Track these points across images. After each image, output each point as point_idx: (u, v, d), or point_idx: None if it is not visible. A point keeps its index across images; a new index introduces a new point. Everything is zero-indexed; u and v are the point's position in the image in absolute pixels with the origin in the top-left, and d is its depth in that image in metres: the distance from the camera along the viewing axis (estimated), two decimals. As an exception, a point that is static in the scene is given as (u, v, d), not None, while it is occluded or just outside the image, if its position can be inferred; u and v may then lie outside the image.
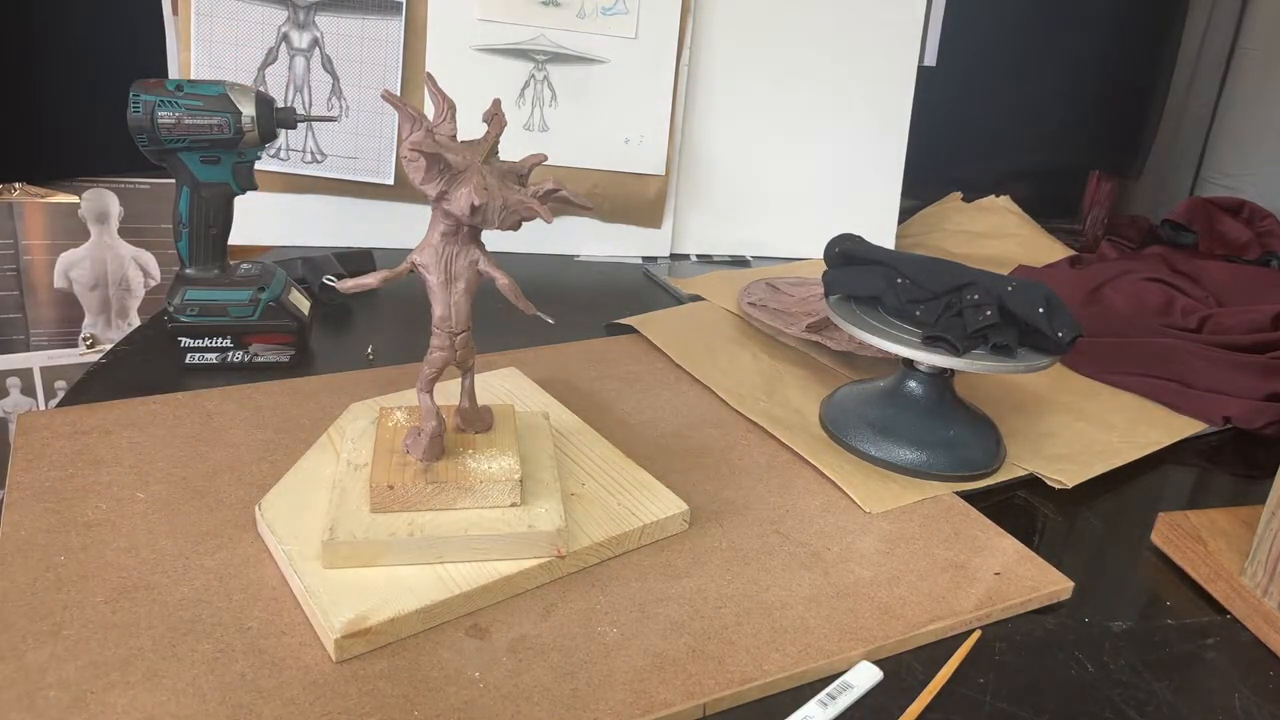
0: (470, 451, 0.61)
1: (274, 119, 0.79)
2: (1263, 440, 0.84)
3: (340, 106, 1.11)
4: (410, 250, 0.57)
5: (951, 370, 0.73)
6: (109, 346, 0.86)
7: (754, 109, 1.22)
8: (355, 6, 1.09)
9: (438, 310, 0.57)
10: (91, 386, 0.77)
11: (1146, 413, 0.86)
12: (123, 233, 1.22)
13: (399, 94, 1.12)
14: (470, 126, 0.57)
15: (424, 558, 0.55)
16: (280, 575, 0.55)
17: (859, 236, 0.81)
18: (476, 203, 0.52)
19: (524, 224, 0.54)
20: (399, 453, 0.60)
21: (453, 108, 0.56)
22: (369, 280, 0.56)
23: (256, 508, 0.59)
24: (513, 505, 0.58)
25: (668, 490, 0.64)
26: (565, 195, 0.55)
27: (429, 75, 0.56)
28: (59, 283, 1.31)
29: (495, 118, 0.57)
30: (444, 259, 0.56)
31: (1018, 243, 1.33)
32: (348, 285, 0.56)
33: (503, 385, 0.78)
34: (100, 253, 1.22)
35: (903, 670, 0.53)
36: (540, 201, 0.54)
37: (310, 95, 1.11)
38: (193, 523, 0.60)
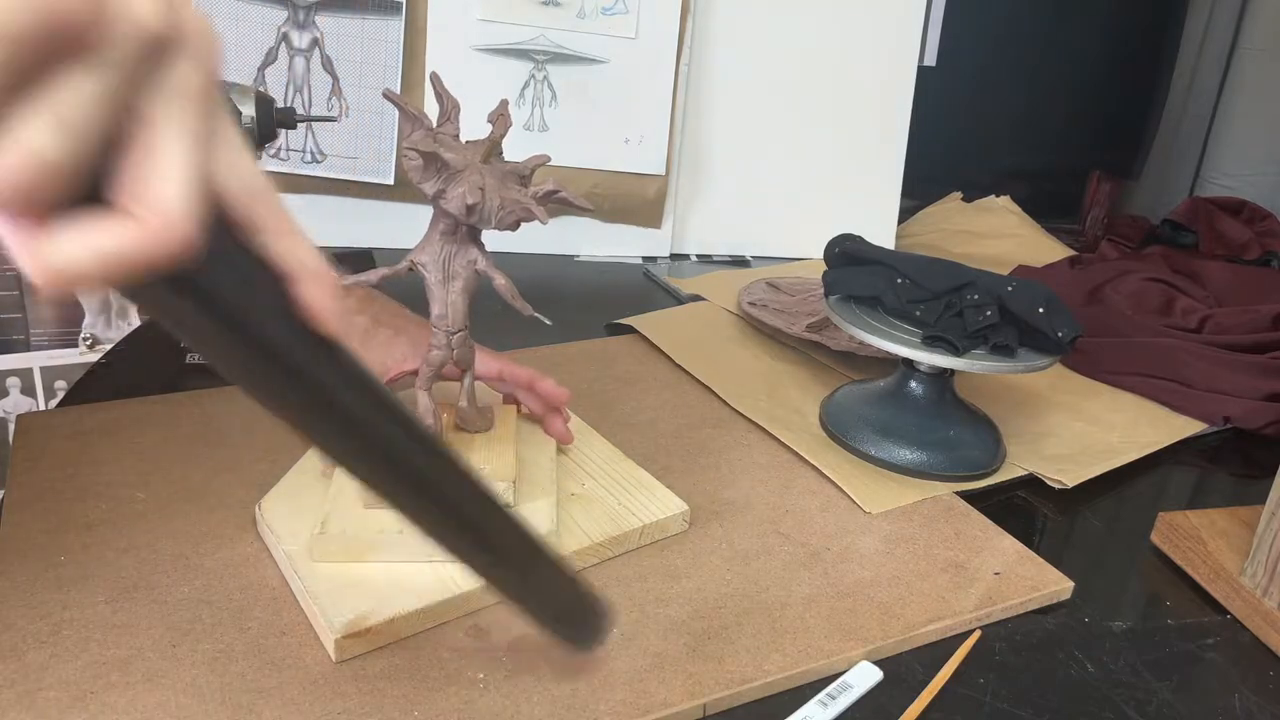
0: (467, 452, 0.61)
1: (274, 119, 0.79)
2: (1263, 440, 0.84)
3: (340, 106, 1.11)
4: (410, 250, 0.57)
5: (951, 370, 0.73)
6: (109, 346, 0.86)
7: (754, 109, 1.22)
8: (355, 6, 1.09)
9: (435, 309, 0.57)
10: (91, 386, 0.77)
11: (1146, 413, 0.86)
12: (123, 233, 1.22)
13: (399, 94, 1.12)
14: (472, 126, 0.57)
15: (415, 555, 0.55)
16: (280, 575, 0.55)
17: (859, 236, 0.81)
18: (470, 202, 0.52)
19: (526, 226, 0.54)
20: None
21: (456, 107, 0.56)
22: (367, 277, 0.56)
23: (256, 508, 0.59)
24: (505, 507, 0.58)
25: (668, 490, 0.64)
26: (565, 197, 0.55)
27: (434, 75, 0.56)
28: (59, 283, 1.31)
29: (500, 118, 0.56)
30: (442, 258, 0.56)
31: (1018, 243, 1.33)
32: (346, 282, 0.56)
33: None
34: (100, 253, 1.22)
35: (903, 670, 0.53)
36: (540, 203, 0.54)
37: (310, 95, 1.11)
38: (193, 523, 0.60)
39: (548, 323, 0.58)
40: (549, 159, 0.58)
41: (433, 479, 0.34)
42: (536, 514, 0.58)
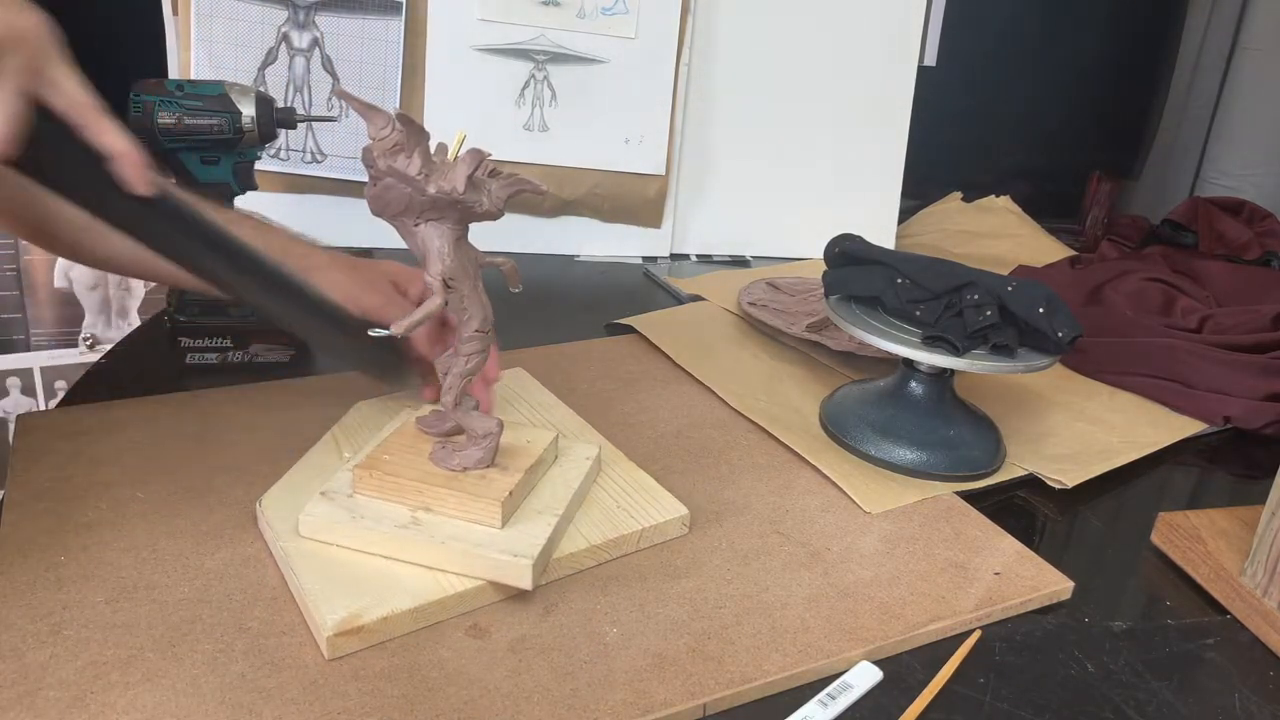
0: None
1: (274, 119, 0.79)
2: (1263, 440, 0.84)
3: (340, 106, 1.11)
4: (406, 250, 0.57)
5: (951, 370, 0.73)
6: (109, 346, 0.86)
7: (754, 108, 1.22)
8: (355, 6, 1.09)
9: (478, 315, 0.56)
10: (91, 386, 0.77)
11: (1146, 413, 0.86)
12: (123, 233, 1.22)
13: (399, 93, 1.12)
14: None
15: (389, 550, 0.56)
16: (280, 575, 0.55)
17: (859, 236, 0.81)
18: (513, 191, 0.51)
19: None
20: (460, 474, 0.58)
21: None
22: (428, 309, 0.54)
23: (257, 504, 0.59)
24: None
25: (668, 493, 0.64)
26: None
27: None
28: (59, 282, 1.31)
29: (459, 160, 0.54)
30: (466, 266, 0.55)
31: (1018, 243, 1.33)
32: (404, 326, 0.53)
33: (507, 385, 0.78)
34: (100, 253, 1.22)
35: (903, 670, 0.53)
36: (505, 185, 0.53)
37: (310, 95, 1.11)
38: (193, 523, 0.60)
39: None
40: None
41: (256, 274, 0.57)
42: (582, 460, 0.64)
